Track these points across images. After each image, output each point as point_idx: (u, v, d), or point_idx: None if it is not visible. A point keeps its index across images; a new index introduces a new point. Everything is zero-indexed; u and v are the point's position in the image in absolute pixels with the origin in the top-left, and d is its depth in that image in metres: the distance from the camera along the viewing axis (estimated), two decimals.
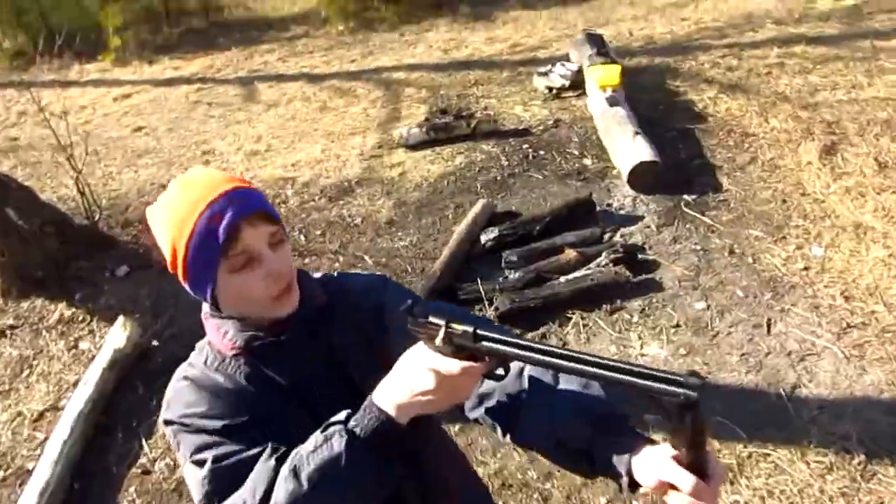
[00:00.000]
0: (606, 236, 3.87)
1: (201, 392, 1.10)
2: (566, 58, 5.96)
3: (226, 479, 1.02)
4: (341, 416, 0.99)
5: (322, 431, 0.98)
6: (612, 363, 0.83)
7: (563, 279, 3.55)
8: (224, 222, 1.03)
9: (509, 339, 0.91)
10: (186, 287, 1.13)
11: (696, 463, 0.86)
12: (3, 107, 8.03)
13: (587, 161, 4.64)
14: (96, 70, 8.85)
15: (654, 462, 0.90)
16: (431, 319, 0.98)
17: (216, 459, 1.03)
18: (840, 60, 5.33)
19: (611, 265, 3.54)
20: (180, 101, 7.34)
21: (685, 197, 4.07)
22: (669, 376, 0.78)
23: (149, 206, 1.16)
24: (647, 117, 4.85)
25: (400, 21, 8.44)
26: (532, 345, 0.90)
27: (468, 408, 1.14)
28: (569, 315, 3.38)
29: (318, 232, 4.48)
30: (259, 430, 1.06)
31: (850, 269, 3.31)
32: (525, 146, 4.92)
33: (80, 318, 4.04)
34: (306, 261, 4.17)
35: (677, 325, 3.20)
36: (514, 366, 1.07)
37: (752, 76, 5.34)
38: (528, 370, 1.09)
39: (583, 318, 3.35)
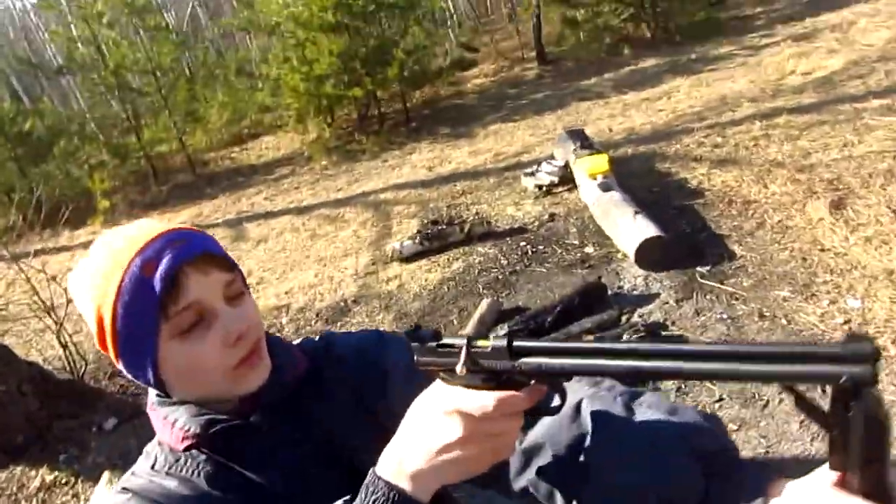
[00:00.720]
0: (624, 318, 3.61)
1: None
2: (551, 157, 5.94)
3: None
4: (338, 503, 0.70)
5: None
6: (715, 349, 0.55)
7: None
8: (161, 269, 0.76)
9: (558, 346, 0.63)
10: (121, 367, 0.84)
11: (877, 484, 0.52)
12: None
13: (589, 249, 4.46)
14: (86, 234, 8.86)
15: (808, 499, 0.57)
16: (447, 341, 0.70)
17: None
18: (825, 124, 5.30)
19: None
20: None
21: (699, 269, 3.84)
22: (816, 350, 0.50)
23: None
24: (643, 200, 4.72)
25: (382, 150, 8.58)
26: (592, 347, 0.61)
27: (513, 474, 0.81)
28: None
29: None
30: None
31: (894, 316, 3.03)
32: (523, 243, 4.75)
33: (64, 482, 3.66)
34: None
35: (720, 399, 2.87)
36: (570, 399, 0.74)
37: (741, 149, 5.29)
38: (587, 404, 0.77)
39: None
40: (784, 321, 3.22)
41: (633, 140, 6.28)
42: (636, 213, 4.16)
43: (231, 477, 0.83)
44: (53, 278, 5.14)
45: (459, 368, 0.66)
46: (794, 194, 4.34)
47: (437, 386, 0.69)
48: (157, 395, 0.87)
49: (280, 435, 0.87)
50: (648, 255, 3.95)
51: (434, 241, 4.96)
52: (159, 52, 9.16)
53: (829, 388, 0.51)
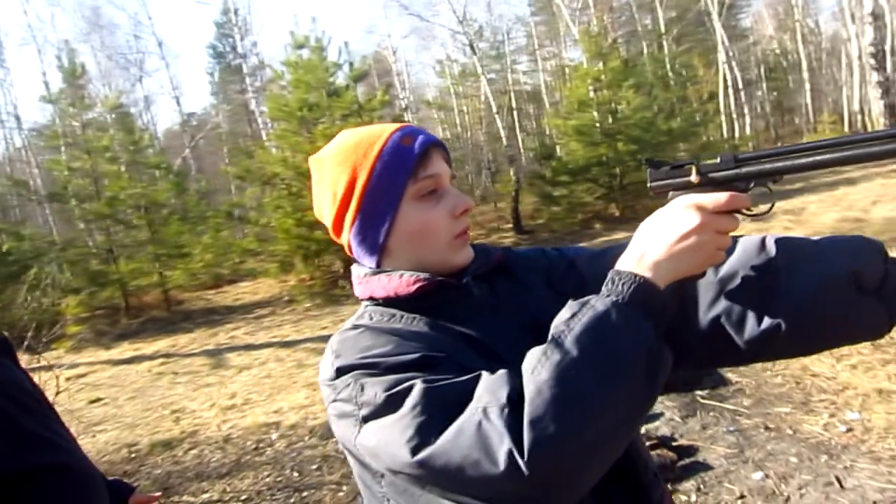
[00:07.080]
0: None
1: (382, 336, 0.87)
2: None
3: (442, 405, 0.74)
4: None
5: (573, 301, 0.78)
6: (870, 134, 0.75)
7: None
8: (417, 141, 0.93)
9: (772, 150, 0.83)
10: (351, 236, 0.96)
11: None
12: None
13: None
14: (52, 358, 8.55)
15: None
16: (678, 163, 0.89)
17: (428, 381, 0.76)
18: None
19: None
20: (143, 374, 7.11)
21: (698, 392, 4.00)
22: None
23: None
24: None
25: None
26: (796, 147, 0.81)
27: (704, 306, 0.89)
28: None
29: (314, 467, 4.07)
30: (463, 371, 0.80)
31: (893, 425, 3.20)
32: None
33: None
34: (304, 494, 3.73)
35: (742, 497, 2.91)
36: (755, 238, 0.91)
37: None
38: (771, 237, 0.90)
39: None
40: (790, 431, 3.35)
41: None
42: None
43: (448, 331, 0.92)
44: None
45: (694, 178, 0.85)
46: None
47: (672, 201, 0.85)
48: (369, 269, 0.98)
49: (483, 300, 0.97)
50: None
51: None
52: (155, 190, 9.47)
53: None
